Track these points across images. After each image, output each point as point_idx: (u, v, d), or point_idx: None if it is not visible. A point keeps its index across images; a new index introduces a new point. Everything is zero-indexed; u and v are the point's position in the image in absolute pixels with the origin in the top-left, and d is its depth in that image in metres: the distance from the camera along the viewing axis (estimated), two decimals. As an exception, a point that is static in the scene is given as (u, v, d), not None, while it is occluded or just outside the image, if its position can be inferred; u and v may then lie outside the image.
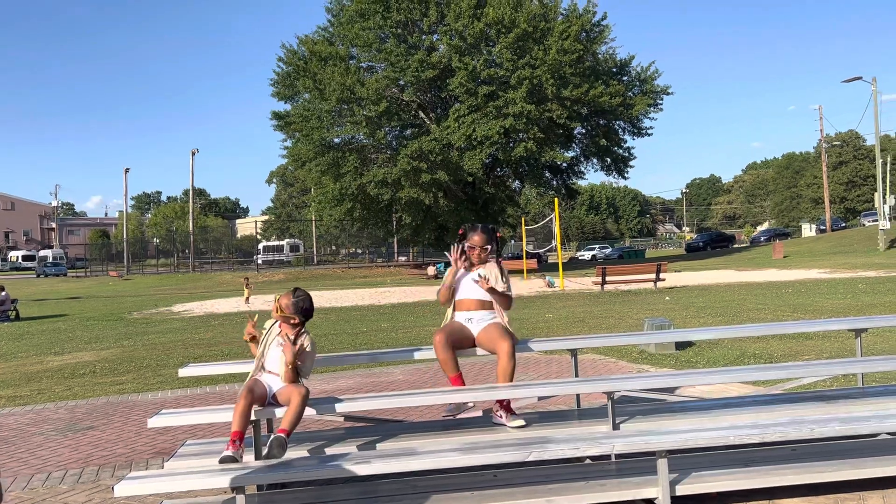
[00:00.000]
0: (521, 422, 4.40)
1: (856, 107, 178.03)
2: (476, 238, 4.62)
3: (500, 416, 4.48)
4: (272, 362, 4.13)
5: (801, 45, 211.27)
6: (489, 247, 4.64)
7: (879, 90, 40.24)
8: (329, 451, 4.14)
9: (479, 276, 4.53)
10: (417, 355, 4.87)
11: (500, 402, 4.48)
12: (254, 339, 4.27)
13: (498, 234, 4.75)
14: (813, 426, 3.74)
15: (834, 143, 77.87)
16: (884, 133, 69.37)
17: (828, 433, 3.72)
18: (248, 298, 23.73)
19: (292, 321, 4.14)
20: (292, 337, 4.10)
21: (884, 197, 40.78)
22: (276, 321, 4.22)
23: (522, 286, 25.17)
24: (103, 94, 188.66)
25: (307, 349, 4.14)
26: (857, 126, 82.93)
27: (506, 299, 4.58)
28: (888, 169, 44.37)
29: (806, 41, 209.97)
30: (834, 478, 3.83)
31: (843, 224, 68.19)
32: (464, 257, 4.65)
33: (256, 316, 4.38)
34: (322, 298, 24.22)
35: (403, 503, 3.67)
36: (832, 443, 4.33)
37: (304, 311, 4.17)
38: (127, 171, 56.75)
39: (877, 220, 41.82)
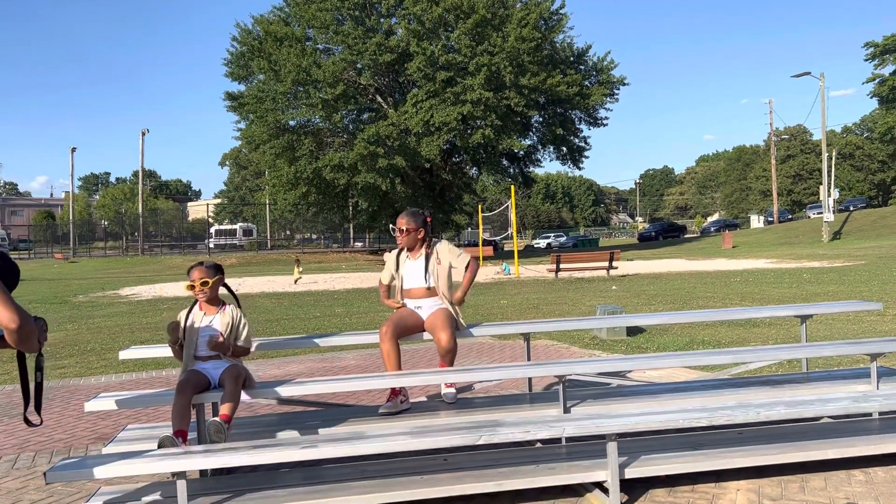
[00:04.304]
0: (453, 391, 4.64)
1: (804, 101, 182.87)
2: (400, 220, 4.75)
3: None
4: (206, 348, 3.95)
5: (756, 39, 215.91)
6: (417, 231, 4.74)
7: (827, 86, 41.33)
8: (276, 435, 4.05)
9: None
10: (365, 339, 4.81)
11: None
12: (180, 345, 4.02)
13: (428, 219, 4.80)
14: (759, 410, 3.78)
15: (783, 136, 79.84)
16: (829, 128, 71.46)
17: (774, 416, 3.76)
18: (298, 279, 23.33)
19: (216, 282, 3.98)
20: (217, 313, 3.98)
21: (828, 190, 42.01)
22: (191, 309, 4.05)
23: (479, 273, 25.18)
24: (49, 73, 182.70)
25: (240, 319, 4.02)
26: (804, 120, 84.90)
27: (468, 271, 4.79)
28: (833, 163, 45.65)
29: (759, 34, 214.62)
30: (779, 460, 3.88)
31: (790, 216, 70.04)
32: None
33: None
34: (275, 283, 23.88)
35: (351, 488, 3.60)
36: (777, 426, 4.41)
37: (216, 267, 4.05)
38: (73, 150, 55.14)
39: (821, 213, 43.08)
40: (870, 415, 4.59)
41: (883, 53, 57.63)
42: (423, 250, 4.75)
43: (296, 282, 23.11)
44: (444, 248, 4.77)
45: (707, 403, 4.18)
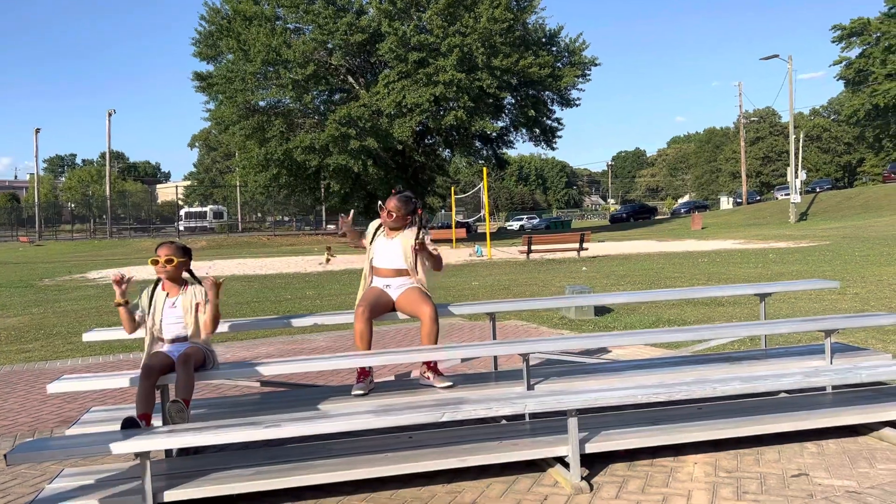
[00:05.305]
0: (449, 382, 4.48)
1: (774, 84, 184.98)
2: (391, 202, 4.69)
3: (428, 378, 4.55)
4: (170, 329, 3.95)
5: (726, 22, 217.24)
6: (404, 219, 4.69)
7: (795, 68, 41.85)
8: (242, 415, 4.06)
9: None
10: (337, 320, 4.83)
11: (427, 364, 4.54)
12: (126, 302, 3.98)
13: (419, 211, 4.74)
14: (716, 385, 3.88)
15: (752, 119, 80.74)
16: (798, 110, 72.40)
17: (729, 391, 3.87)
18: (328, 260, 23.36)
19: (181, 262, 3.99)
20: (179, 294, 3.96)
21: (796, 172, 42.67)
22: (154, 287, 4.04)
23: (451, 255, 25.27)
24: (11, 51, 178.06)
25: (204, 295, 4.01)
26: (773, 103, 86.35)
27: (433, 260, 4.71)
28: (800, 145, 46.33)
29: (730, 17, 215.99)
30: (735, 434, 4.00)
31: (758, 197, 71.05)
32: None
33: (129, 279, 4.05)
34: (246, 266, 23.72)
35: (316, 466, 3.64)
36: (735, 401, 4.53)
37: (183, 249, 4.05)
38: (38, 131, 53.89)
39: (789, 194, 43.74)
40: (823, 389, 4.73)
41: (850, 36, 58.35)
42: (404, 232, 4.72)
43: (323, 262, 23.52)
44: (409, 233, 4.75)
45: (666, 379, 4.28)
